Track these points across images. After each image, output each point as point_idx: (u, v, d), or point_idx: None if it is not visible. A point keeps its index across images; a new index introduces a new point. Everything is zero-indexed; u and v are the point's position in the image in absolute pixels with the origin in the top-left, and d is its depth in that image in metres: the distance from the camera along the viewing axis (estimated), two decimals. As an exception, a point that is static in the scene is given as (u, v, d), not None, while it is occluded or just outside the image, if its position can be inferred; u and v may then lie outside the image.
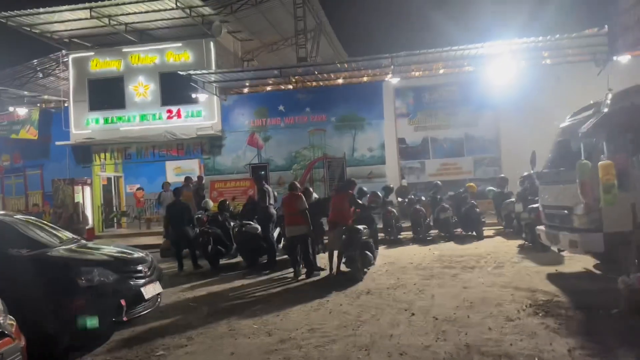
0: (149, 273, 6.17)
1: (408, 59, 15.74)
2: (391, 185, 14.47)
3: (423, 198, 13.92)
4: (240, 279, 9.30)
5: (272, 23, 24.01)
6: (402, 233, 13.53)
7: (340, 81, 18.90)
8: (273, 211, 10.83)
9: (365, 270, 8.83)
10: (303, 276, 8.94)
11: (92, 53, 19.45)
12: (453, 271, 8.50)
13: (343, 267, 8.84)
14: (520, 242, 11.00)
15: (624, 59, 15.13)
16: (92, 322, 5.22)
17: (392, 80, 15.96)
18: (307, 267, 9.06)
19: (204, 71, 16.03)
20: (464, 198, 13.45)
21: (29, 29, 18.03)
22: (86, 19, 17.27)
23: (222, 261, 11.39)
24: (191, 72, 16.10)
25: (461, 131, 17.52)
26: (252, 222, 11.37)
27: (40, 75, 22.77)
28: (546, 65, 17.43)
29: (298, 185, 9.78)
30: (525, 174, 11.87)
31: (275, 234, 11.12)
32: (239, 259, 11.33)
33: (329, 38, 27.33)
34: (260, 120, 18.62)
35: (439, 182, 14.04)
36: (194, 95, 17.22)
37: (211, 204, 13.27)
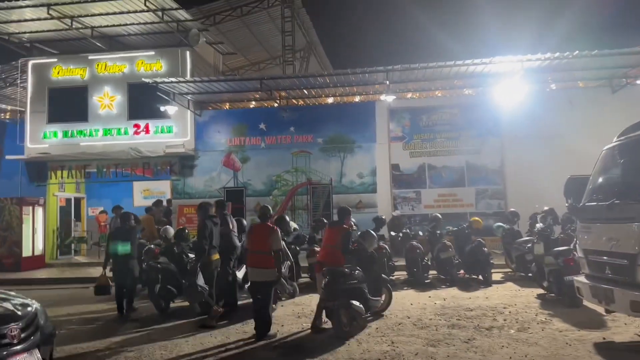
0: (19, 338, 4.06)
1: (405, 74, 13.96)
2: (383, 217, 12.45)
3: (420, 233, 11.91)
4: (190, 332, 7.16)
5: (259, 39, 22.40)
6: (394, 273, 11.49)
7: (329, 100, 17.06)
8: (237, 242, 8.76)
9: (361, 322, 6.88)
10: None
11: (55, 60, 17.48)
12: (465, 333, 6.42)
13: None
14: (540, 291, 9.00)
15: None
16: None
17: (387, 98, 14.13)
18: (260, 325, 6.76)
19: (173, 79, 14.08)
20: (467, 235, 11.50)
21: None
22: (47, 19, 15.37)
23: (176, 303, 9.26)
24: (158, 79, 14.15)
25: (462, 159, 15.66)
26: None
27: (1, 85, 20.72)
28: (557, 89, 15.73)
29: (270, 210, 7.61)
30: (546, 208, 9.96)
31: (241, 273, 9.02)
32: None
33: (320, 58, 25.73)
34: (238, 139, 16.65)
35: (438, 214, 12.06)
36: (162, 108, 15.23)
37: (171, 232, 11.06)
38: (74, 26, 15.88)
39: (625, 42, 12.88)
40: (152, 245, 10.56)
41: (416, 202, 15.76)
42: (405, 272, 11.60)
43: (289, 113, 16.49)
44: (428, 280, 10.91)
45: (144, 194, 20.51)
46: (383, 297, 7.97)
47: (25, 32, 16.61)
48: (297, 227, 11.93)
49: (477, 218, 11.86)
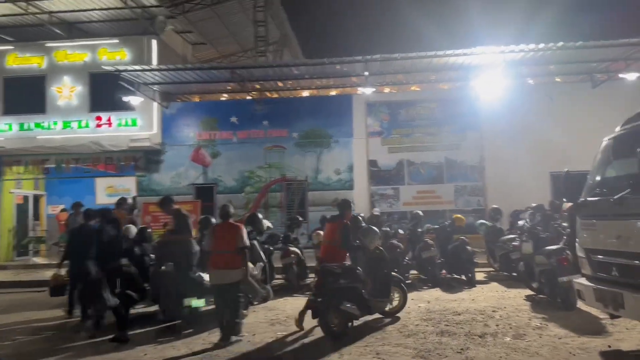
0: None
1: (384, 65, 13.36)
2: (361, 215, 11.81)
3: (401, 231, 11.31)
4: (150, 343, 6.37)
5: (231, 30, 21.46)
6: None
7: (305, 93, 16.36)
8: (196, 246, 7.97)
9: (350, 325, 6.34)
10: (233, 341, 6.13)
11: (11, 47, 16.28)
12: (457, 342, 5.81)
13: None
14: (527, 292, 8.50)
15: (632, 76, 13.18)
16: None
17: (365, 91, 13.48)
18: (227, 329, 6.27)
19: (137, 67, 13.15)
20: (449, 233, 10.96)
21: None
22: (0, 2, 14.24)
23: (139, 309, 8.45)
24: (121, 67, 13.21)
25: (441, 154, 15.17)
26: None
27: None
28: (537, 83, 15.38)
29: (231, 208, 6.98)
30: (534, 204, 9.47)
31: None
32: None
33: (293, 53, 25.00)
34: (208, 132, 15.79)
35: (419, 212, 11.48)
36: (125, 99, 14.26)
37: (134, 232, 10.17)
38: (30, 10, 14.78)
39: (607, 35, 12.52)
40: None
41: (394, 199, 15.20)
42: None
43: (263, 106, 15.72)
44: (409, 281, 10.30)
45: (107, 191, 19.33)
46: (397, 297, 7.39)
47: (-24, 17, 15.42)
48: (271, 226, 11.19)
49: (459, 215, 11.33)
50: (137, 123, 15.69)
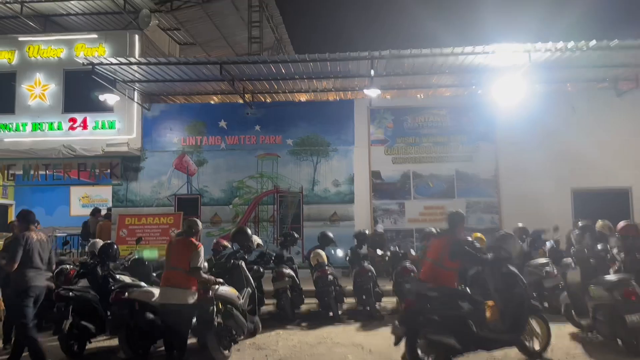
0: None
1: (391, 64, 11.93)
2: (366, 231, 10.32)
3: (413, 252, 9.78)
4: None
5: (223, 33, 20.03)
6: (382, 300, 9.36)
7: (302, 97, 14.92)
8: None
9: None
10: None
11: (-23, 40, 14.75)
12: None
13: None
14: (572, 329, 7.01)
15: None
16: None
17: (371, 93, 12.03)
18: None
19: (114, 60, 11.63)
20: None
21: None
22: (-37, -12, 12.78)
23: (97, 342, 6.86)
24: (95, 60, 11.69)
25: (451, 167, 13.72)
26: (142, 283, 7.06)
27: None
28: (558, 89, 14.03)
29: (198, 225, 6.37)
30: (581, 223, 7.99)
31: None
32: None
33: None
34: (193, 138, 14.25)
35: (433, 229, 9.96)
36: (101, 97, 12.72)
37: (98, 246, 8.57)
38: (-2, -1, 13.33)
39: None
40: (67, 266, 8.09)
41: (399, 215, 13.68)
42: (394, 299, 9.52)
43: (255, 110, 14.24)
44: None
45: (82, 201, 17.82)
46: (539, 331, 6.00)
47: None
48: (261, 243, 9.64)
49: (479, 234, 9.81)
50: (115, 126, 14.12)
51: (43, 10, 14.32)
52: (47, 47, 14.53)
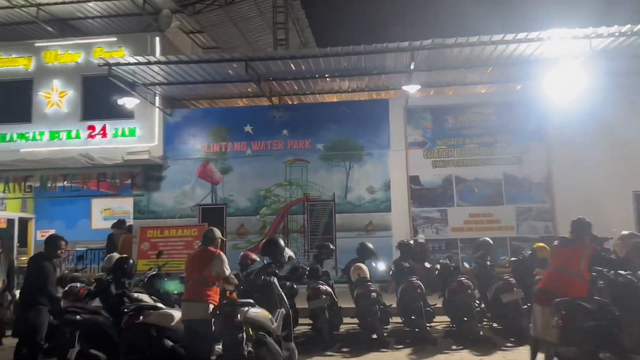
0: None
1: (433, 57, 10.75)
2: (410, 241, 9.18)
3: (466, 265, 8.58)
4: None
5: (247, 37, 19.27)
6: (432, 321, 8.19)
7: (333, 97, 13.92)
8: None
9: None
10: None
11: (-6, 47, 14.21)
12: None
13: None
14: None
15: None
16: None
17: (410, 89, 10.94)
18: None
19: (133, 60, 10.82)
20: (531, 267, 8.23)
21: None
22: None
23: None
24: (112, 61, 10.91)
25: (499, 170, 12.50)
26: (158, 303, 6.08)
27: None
28: (619, 82, 12.67)
29: (218, 235, 6.04)
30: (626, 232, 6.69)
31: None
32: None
33: (316, 62, 22.71)
34: (217, 144, 13.36)
35: (488, 239, 8.78)
36: (120, 102, 11.94)
37: (113, 261, 7.63)
38: (14, 2, 12.72)
39: None
40: (77, 284, 7.16)
41: (441, 223, 12.48)
42: (445, 319, 8.34)
43: (282, 113, 13.28)
44: (482, 333, 7.59)
45: (104, 213, 17.05)
46: None
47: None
48: (293, 256, 8.55)
49: (541, 244, 8.56)
50: (135, 133, 13.34)
51: (60, 13, 13.69)
52: (64, 52, 13.91)
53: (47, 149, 13.41)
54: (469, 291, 7.57)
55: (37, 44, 14.01)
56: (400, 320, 8.25)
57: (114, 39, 13.82)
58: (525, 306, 7.52)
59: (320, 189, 12.95)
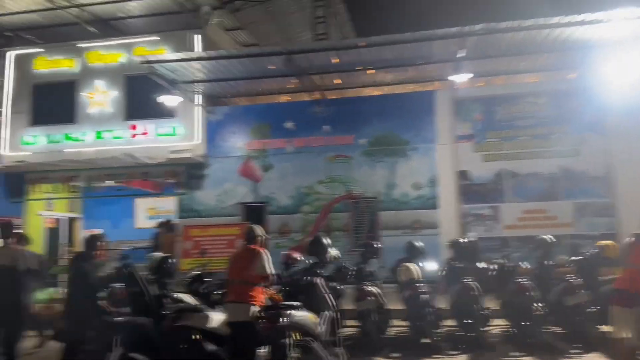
0: None
1: (484, 43, 10.11)
2: (466, 240, 8.65)
3: (523, 264, 7.97)
4: None
5: (287, 33, 19.05)
6: (487, 325, 7.67)
7: (375, 92, 13.46)
8: None
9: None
10: None
11: (40, 50, 14.45)
12: None
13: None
14: None
15: None
16: None
17: (459, 78, 10.39)
18: None
19: (173, 56, 10.74)
20: (596, 267, 7.58)
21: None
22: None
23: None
24: (153, 59, 10.84)
25: (554, 163, 11.76)
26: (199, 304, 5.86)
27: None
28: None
29: (260, 233, 5.70)
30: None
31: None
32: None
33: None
34: (258, 141, 13.16)
35: (548, 237, 8.17)
36: (161, 100, 11.88)
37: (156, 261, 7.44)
38: (57, 2, 12.88)
39: None
40: (118, 285, 7.00)
41: (493, 221, 11.85)
42: (505, 324, 7.80)
43: (323, 108, 12.94)
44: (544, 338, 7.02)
45: (149, 213, 17.15)
46: None
47: (2, 15, 13.65)
48: (339, 256, 8.16)
49: (608, 242, 7.89)
50: (177, 132, 13.29)
51: (102, 13, 13.79)
52: (106, 53, 14.01)
53: (92, 149, 13.54)
54: (529, 293, 7.00)
55: (80, 45, 14.15)
56: (452, 324, 7.76)
57: (155, 37, 13.79)
58: (592, 309, 6.91)
59: (363, 186, 12.54)
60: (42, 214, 14.89)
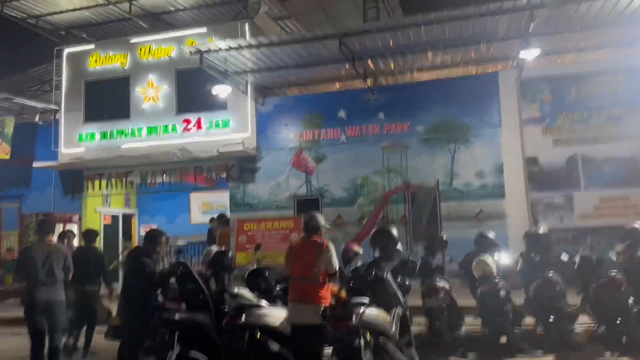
0: None
1: (554, 17, 9.31)
2: (539, 232, 7.90)
3: (612, 257, 7.18)
4: None
5: (336, 22, 18.53)
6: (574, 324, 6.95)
7: (432, 76, 12.76)
8: None
9: None
10: None
11: (92, 46, 14.57)
12: None
13: None
14: None
15: None
16: None
17: (528, 55, 9.56)
18: None
19: (222, 46, 10.43)
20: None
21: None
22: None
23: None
24: (203, 48, 10.58)
25: (634, 147, 10.74)
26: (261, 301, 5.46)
27: (47, 88, 18.28)
28: None
29: (318, 219, 5.12)
30: None
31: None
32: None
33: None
34: (311, 132, 12.75)
35: (638, 226, 7.32)
36: (213, 91, 11.64)
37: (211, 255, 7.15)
38: (108, -1, 12.92)
39: None
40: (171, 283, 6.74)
41: (566, 210, 10.97)
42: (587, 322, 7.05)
43: (377, 95, 12.37)
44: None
45: (203, 207, 17.10)
46: None
47: (55, 13, 13.83)
48: (401, 249, 7.60)
49: None
50: (228, 124, 13.08)
51: (151, 8, 13.74)
52: (157, 47, 13.95)
53: (146, 144, 13.53)
54: (622, 288, 6.24)
55: (131, 40, 14.18)
56: (529, 323, 7.09)
57: (205, 29, 13.62)
58: None
59: (421, 176, 11.91)
60: (100, 211, 15.08)
